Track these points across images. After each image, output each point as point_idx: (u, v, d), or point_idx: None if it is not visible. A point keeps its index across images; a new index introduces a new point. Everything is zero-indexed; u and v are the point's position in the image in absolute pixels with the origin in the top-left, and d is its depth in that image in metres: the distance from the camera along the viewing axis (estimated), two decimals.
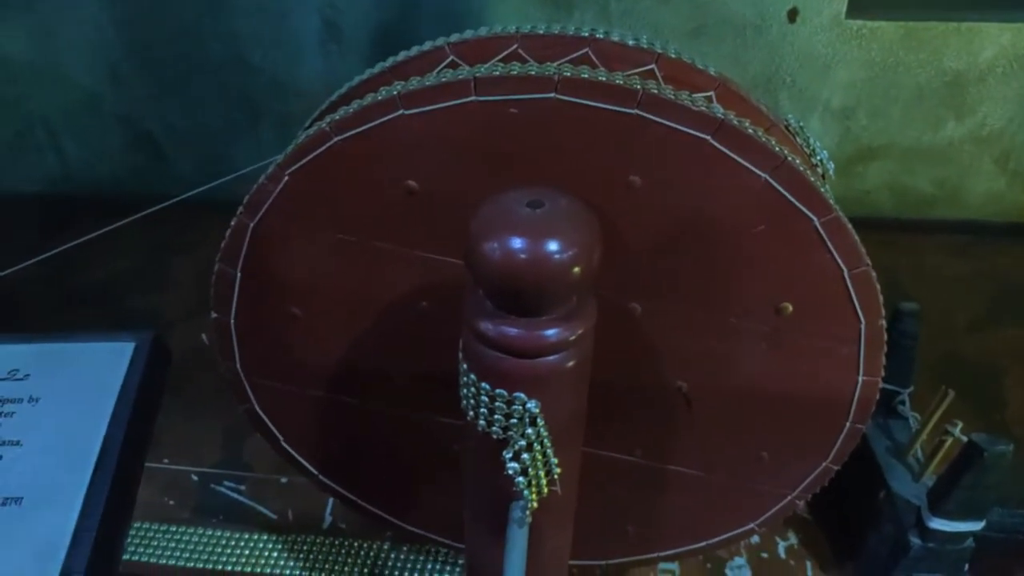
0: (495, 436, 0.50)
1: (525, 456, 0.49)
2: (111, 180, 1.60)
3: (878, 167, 1.46)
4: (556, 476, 0.53)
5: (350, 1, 1.36)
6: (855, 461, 0.86)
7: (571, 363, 0.49)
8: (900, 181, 1.49)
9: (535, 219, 0.45)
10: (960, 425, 0.80)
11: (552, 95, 0.52)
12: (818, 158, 0.65)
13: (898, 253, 1.42)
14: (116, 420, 0.51)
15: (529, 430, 0.49)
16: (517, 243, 0.44)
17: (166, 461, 1.07)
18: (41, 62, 1.47)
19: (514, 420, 0.49)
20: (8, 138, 1.57)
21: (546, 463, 0.51)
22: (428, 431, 0.72)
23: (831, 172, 0.66)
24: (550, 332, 0.47)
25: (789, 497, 0.71)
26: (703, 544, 0.76)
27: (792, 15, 1.31)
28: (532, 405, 0.48)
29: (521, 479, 0.50)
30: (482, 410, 0.50)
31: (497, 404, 0.49)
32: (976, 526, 0.79)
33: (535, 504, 0.52)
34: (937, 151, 1.44)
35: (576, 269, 0.45)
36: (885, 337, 0.60)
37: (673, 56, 0.61)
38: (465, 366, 0.50)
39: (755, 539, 0.98)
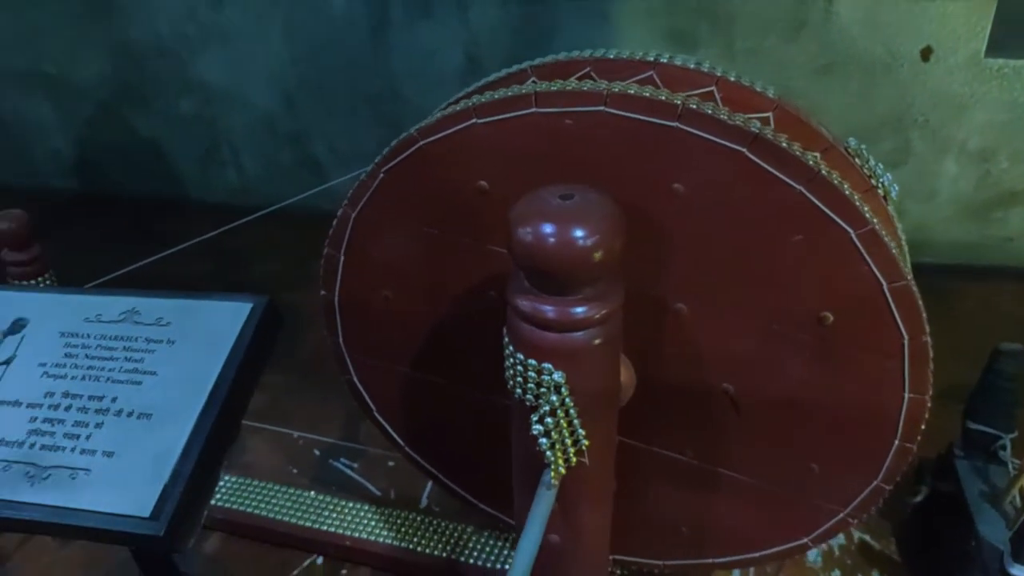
0: (528, 403, 0.57)
1: (549, 420, 0.56)
2: (279, 195, 1.82)
3: (1021, 212, 1.39)
4: (584, 447, 0.58)
5: (491, 38, 1.48)
6: (947, 504, 0.84)
7: (598, 340, 0.55)
8: None
9: (564, 209, 0.52)
10: None
11: (601, 108, 0.59)
12: (881, 180, 0.67)
13: None
14: (230, 362, 0.63)
15: (554, 397, 0.55)
16: (547, 228, 0.51)
17: (296, 435, 1.22)
18: (231, 88, 1.72)
19: (543, 389, 0.56)
20: (200, 153, 1.83)
21: (572, 432, 0.57)
22: (497, 413, 0.79)
23: (894, 194, 0.68)
24: (578, 310, 0.53)
25: (841, 515, 0.71)
26: (756, 554, 0.77)
27: (926, 54, 1.29)
28: (558, 375, 0.55)
29: (544, 440, 0.56)
30: (518, 379, 0.57)
31: (529, 374, 0.56)
32: None
33: (562, 469, 0.58)
34: None
35: (598, 254, 0.51)
36: (931, 354, 0.61)
37: (733, 79, 0.66)
38: (507, 339, 0.58)
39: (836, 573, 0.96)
